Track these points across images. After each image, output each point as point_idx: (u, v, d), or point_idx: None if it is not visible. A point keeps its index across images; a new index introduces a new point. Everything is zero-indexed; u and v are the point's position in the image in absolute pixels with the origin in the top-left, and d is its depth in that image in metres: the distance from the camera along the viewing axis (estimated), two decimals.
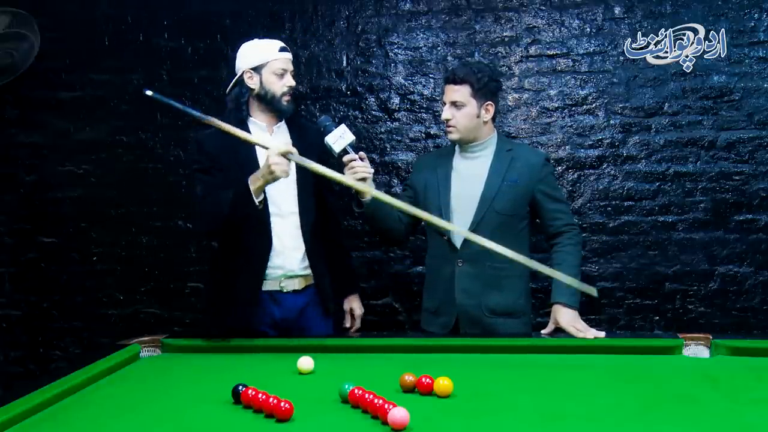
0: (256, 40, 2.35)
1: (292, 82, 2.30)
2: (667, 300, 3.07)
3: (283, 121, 2.38)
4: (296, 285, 2.32)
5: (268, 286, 2.30)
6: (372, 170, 2.24)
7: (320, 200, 2.41)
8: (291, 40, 3.23)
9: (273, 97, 2.29)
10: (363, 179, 2.20)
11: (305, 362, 1.83)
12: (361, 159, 2.21)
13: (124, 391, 1.71)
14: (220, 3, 3.31)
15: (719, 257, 3.03)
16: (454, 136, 2.34)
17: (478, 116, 2.29)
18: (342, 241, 2.65)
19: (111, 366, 1.87)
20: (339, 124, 2.22)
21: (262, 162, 2.12)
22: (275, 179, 2.06)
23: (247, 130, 2.24)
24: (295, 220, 2.31)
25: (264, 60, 2.27)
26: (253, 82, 2.29)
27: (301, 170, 2.25)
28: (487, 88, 2.28)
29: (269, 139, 2.26)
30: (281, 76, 2.28)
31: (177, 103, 2.08)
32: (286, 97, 2.30)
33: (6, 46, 3.19)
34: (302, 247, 2.32)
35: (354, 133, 2.22)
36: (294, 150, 2.07)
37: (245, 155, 2.24)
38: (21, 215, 3.47)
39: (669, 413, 1.44)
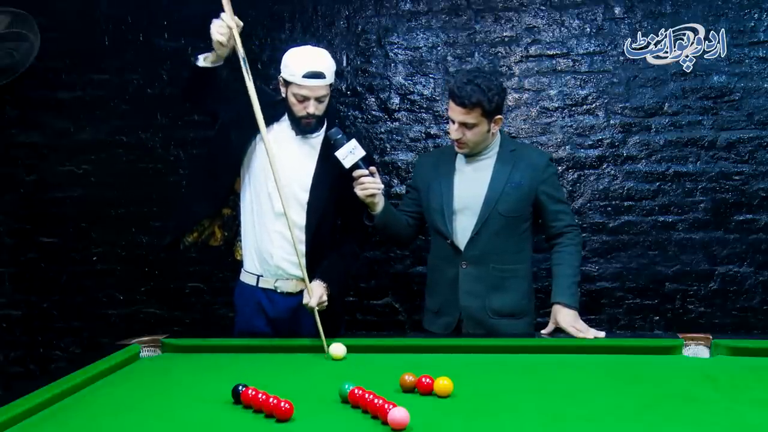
0: (302, 49, 2.25)
1: (313, 110, 2.19)
2: (667, 300, 3.07)
3: (320, 132, 2.30)
4: (290, 287, 2.31)
5: (263, 284, 2.32)
6: (382, 186, 2.22)
7: (338, 215, 2.37)
8: (291, 40, 3.23)
9: (293, 116, 2.25)
10: (372, 195, 2.19)
11: (337, 349, 1.94)
12: (372, 174, 2.18)
13: (124, 391, 1.70)
14: (219, 3, 3.29)
15: (719, 257, 3.03)
16: (464, 151, 2.32)
17: (488, 131, 2.29)
18: (353, 252, 2.48)
19: (111, 366, 1.87)
20: (350, 137, 2.17)
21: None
22: (216, 46, 2.16)
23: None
24: (299, 228, 2.26)
25: (289, 79, 2.19)
26: (282, 92, 2.27)
27: (317, 189, 2.25)
28: (497, 106, 2.25)
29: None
30: (301, 101, 2.19)
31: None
32: (306, 121, 2.22)
33: (6, 46, 3.18)
34: (303, 252, 2.25)
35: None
36: (235, 26, 2.17)
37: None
38: (21, 215, 3.47)
39: (669, 413, 1.44)
